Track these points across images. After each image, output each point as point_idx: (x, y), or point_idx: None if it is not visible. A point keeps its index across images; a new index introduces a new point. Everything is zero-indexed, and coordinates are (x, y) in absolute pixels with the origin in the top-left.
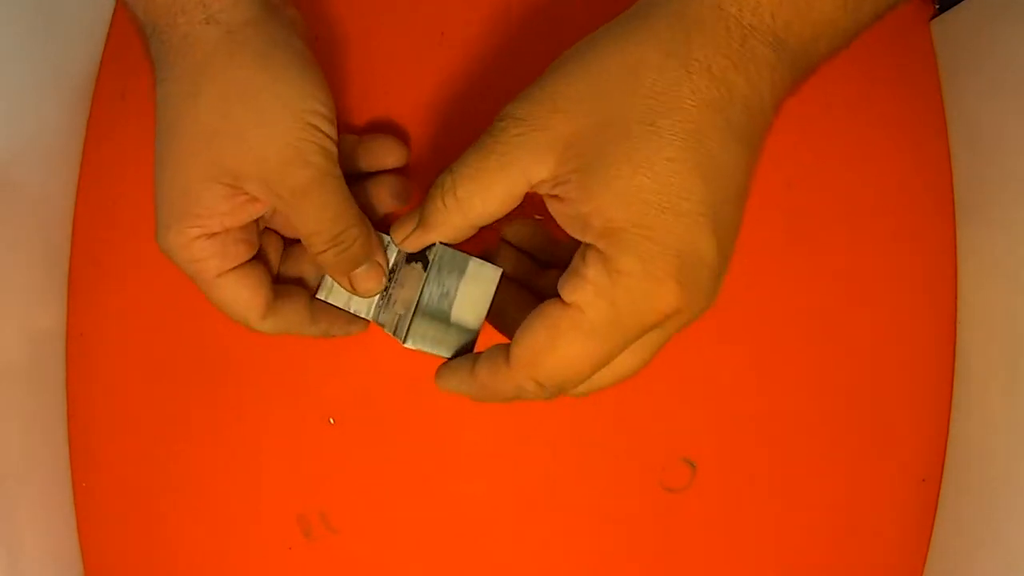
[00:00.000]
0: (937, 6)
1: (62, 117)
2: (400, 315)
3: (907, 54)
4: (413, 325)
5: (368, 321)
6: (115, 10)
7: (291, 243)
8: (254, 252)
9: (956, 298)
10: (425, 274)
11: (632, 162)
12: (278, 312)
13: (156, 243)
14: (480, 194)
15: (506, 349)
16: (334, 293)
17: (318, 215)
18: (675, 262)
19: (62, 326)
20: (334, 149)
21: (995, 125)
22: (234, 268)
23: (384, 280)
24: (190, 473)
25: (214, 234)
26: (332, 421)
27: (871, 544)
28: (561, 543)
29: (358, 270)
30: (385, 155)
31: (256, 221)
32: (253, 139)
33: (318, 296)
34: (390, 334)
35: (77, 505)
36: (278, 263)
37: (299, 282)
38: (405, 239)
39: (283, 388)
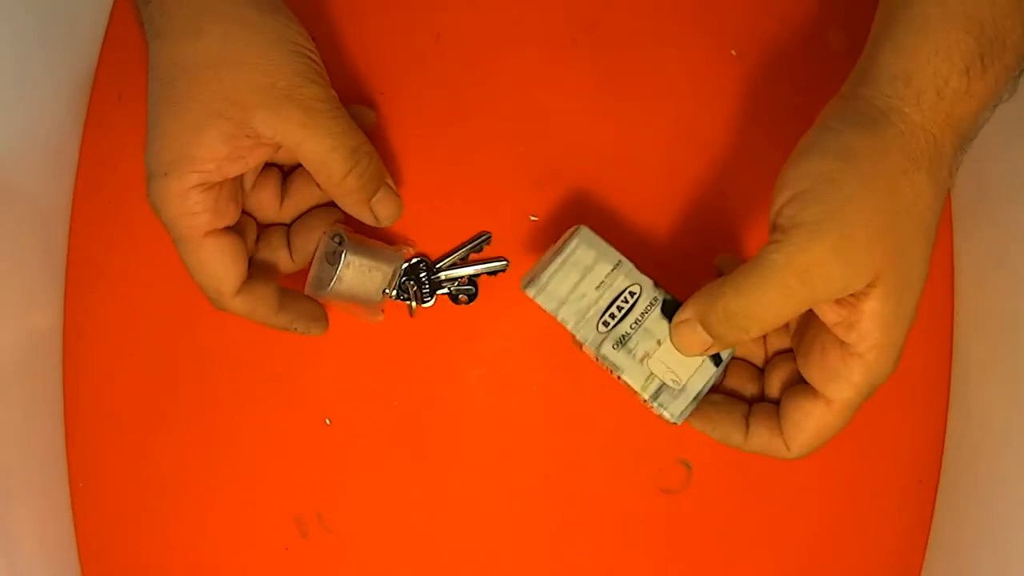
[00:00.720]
0: None
1: (59, 118)
2: (666, 386)
3: None
4: (690, 407)
5: (326, 324)
6: (112, 12)
7: (265, 228)
8: (237, 218)
9: (953, 299)
10: (716, 371)
11: (913, 291)
12: (251, 292)
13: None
14: (775, 325)
15: (778, 425)
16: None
17: (333, 130)
18: (899, 350)
19: (59, 326)
20: (328, 78)
21: (993, 124)
22: (221, 230)
23: (401, 205)
24: (187, 473)
25: (212, 186)
26: (329, 422)
27: (868, 545)
28: (558, 544)
29: (377, 195)
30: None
31: (243, 185)
32: (259, 68)
33: (329, 290)
34: (628, 383)
35: (74, 504)
36: (253, 246)
37: (271, 269)
38: (702, 348)
39: (280, 388)
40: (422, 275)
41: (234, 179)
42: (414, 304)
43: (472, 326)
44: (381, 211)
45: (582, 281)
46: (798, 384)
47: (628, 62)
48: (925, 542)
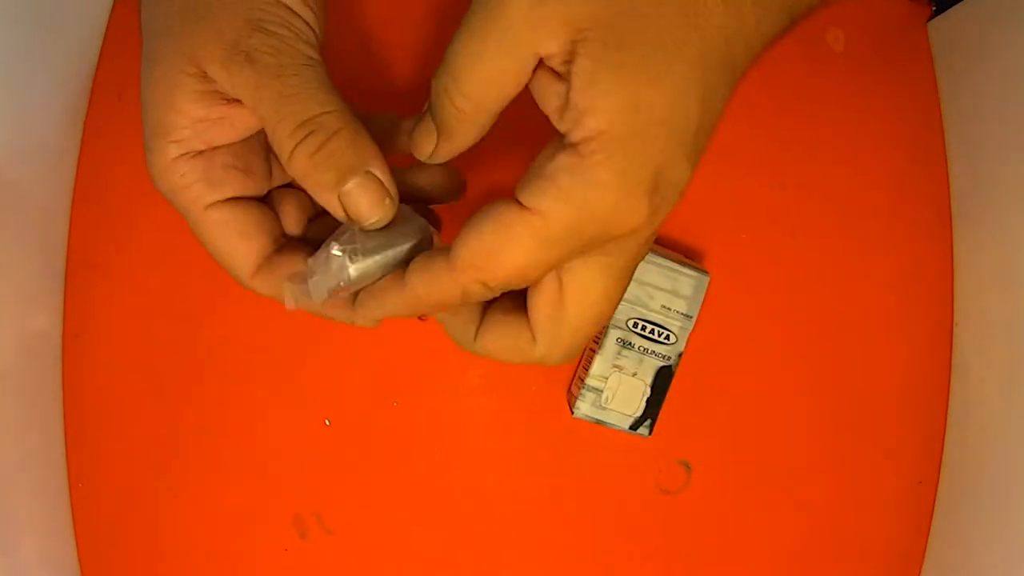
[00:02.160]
0: (934, 8)
1: (59, 117)
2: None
3: (904, 55)
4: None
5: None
6: (112, 12)
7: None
8: (256, 187)
9: (952, 300)
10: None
11: (649, 71)
12: (274, 271)
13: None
14: (487, 82)
15: (444, 254)
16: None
17: (278, 94)
18: (652, 181)
19: (58, 327)
20: (310, 34)
21: (992, 126)
22: (226, 201)
23: (393, 203)
24: (186, 474)
25: (198, 153)
26: (328, 423)
27: (868, 546)
28: (557, 545)
29: (349, 183)
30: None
31: (262, 155)
32: (217, 17)
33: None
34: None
35: (73, 506)
36: (303, 221)
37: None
38: (432, 154)
39: (280, 389)
40: None
41: (231, 146)
42: None
43: None
44: (352, 206)
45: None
46: None
47: None
48: (925, 543)
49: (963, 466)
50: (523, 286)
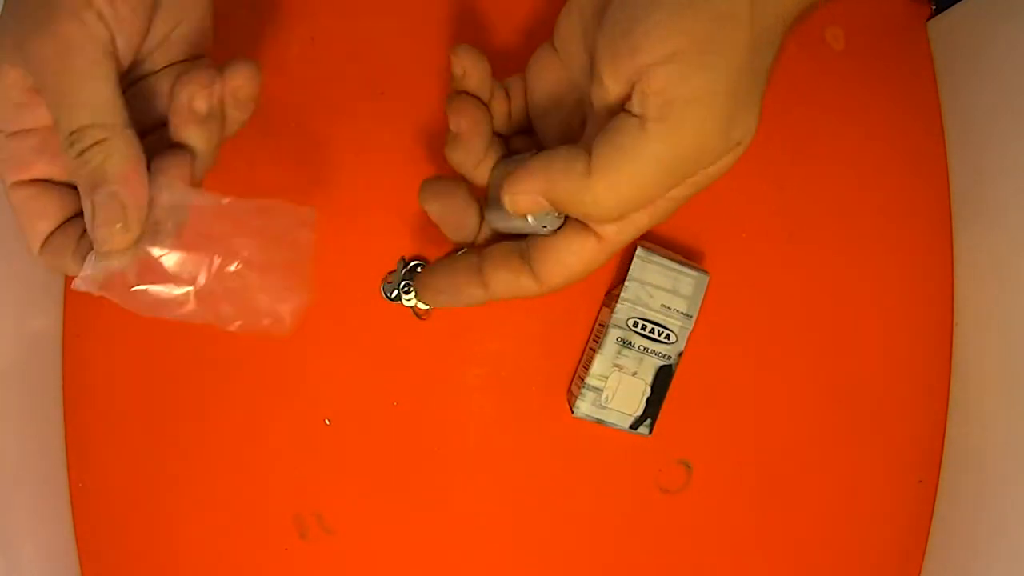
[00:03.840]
0: (934, 7)
1: None
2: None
3: (904, 54)
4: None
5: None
6: None
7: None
8: (62, 171)
9: (952, 300)
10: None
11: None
12: (49, 244)
13: None
14: None
15: (584, 155)
16: None
17: (57, 92)
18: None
19: (58, 327)
20: (104, 34)
21: (992, 125)
22: (31, 181)
23: (124, 232)
24: (186, 474)
25: (10, 134)
26: (328, 422)
27: (868, 545)
28: (557, 544)
29: (98, 195)
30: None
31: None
32: (31, 12)
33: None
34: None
35: (74, 505)
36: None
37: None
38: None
39: (279, 389)
40: None
41: (39, 130)
42: (420, 305)
43: (472, 326)
44: (94, 215)
45: None
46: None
47: None
48: (925, 542)
49: (963, 466)
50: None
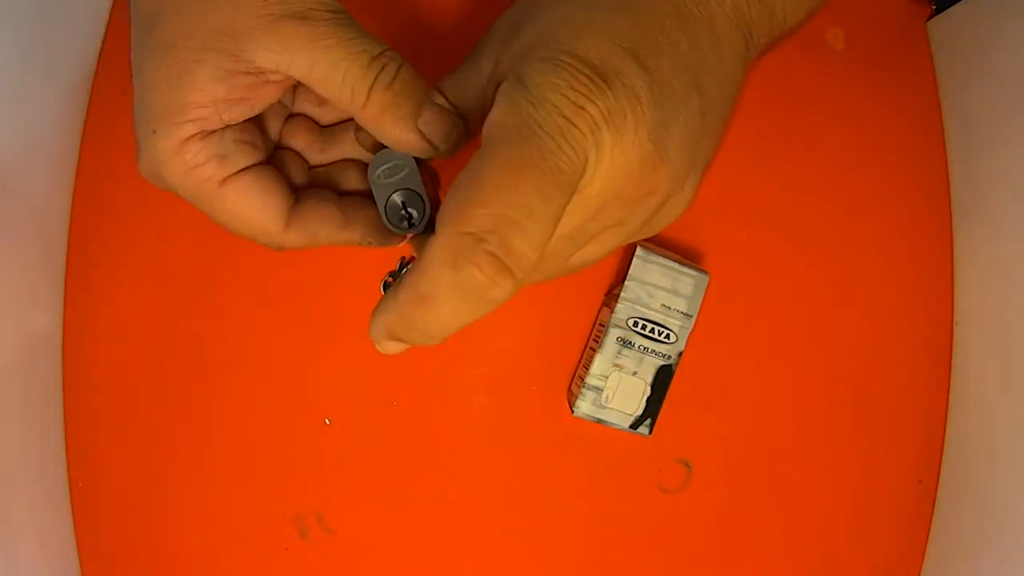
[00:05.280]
0: (934, 6)
1: (59, 116)
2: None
3: (904, 54)
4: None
5: (406, 235)
6: (112, 11)
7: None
8: (258, 156)
9: (953, 299)
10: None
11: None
12: (304, 217)
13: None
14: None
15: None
16: None
17: (344, 38)
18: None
19: (58, 326)
20: None
21: (992, 125)
22: (240, 171)
23: (460, 124)
24: (186, 473)
25: (211, 132)
26: (328, 422)
27: (869, 545)
28: (557, 544)
29: (424, 115)
30: None
31: (261, 126)
32: None
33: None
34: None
35: (74, 505)
36: (305, 171)
37: (331, 186)
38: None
39: (279, 388)
40: None
41: (243, 124)
42: None
43: (472, 326)
44: (435, 133)
45: None
46: None
47: None
48: (925, 541)
49: (963, 466)
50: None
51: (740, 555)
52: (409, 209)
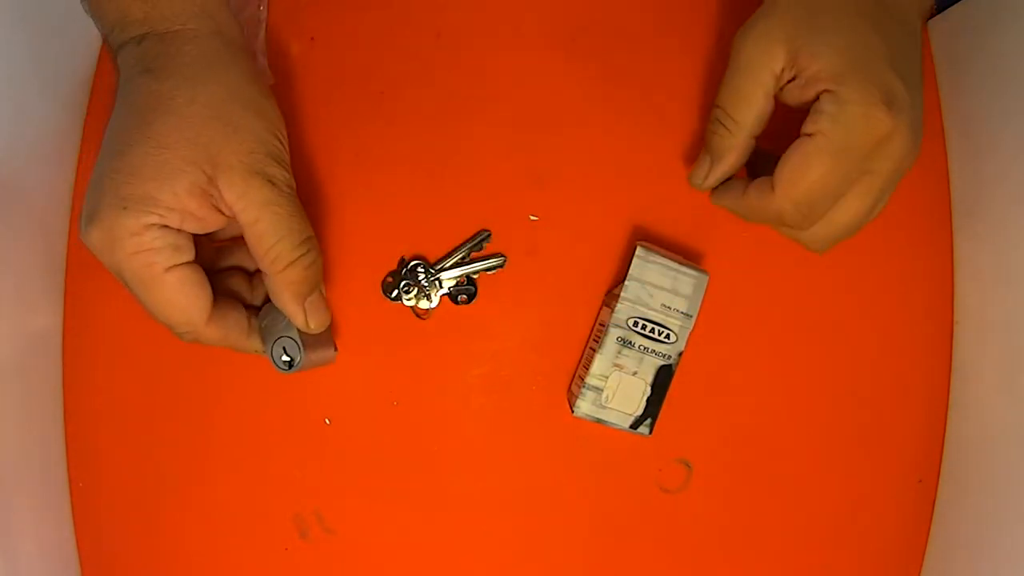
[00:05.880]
0: (934, 7)
1: (59, 117)
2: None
3: None
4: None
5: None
6: None
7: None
8: (194, 254)
9: (953, 300)
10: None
11: (841, 31)
12: (223, 317)
13: (84, 239)
14: (745, 106)
15: (771, 179)
16: None
17: (292, 214)
18: (883, 94)
19: (58, 326)
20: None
21: (992, 125)
22: (183, 264)
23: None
24: (186, 473)
25: (167, 228)
26: (328, 422)
27: (869, 544)
28: (557, 543)
29: (313, 297)
30: None
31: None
32: (248, 137)
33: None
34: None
35: (74, 504)
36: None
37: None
38: (705, 179)
39: (280, 388)
40: (420, 277)
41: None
42: (421, 305)
43: (472, 326)
44: (313, 315)
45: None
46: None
47: (628, 61)
48: (925, 541)
49: (963, 466)
50: (826, 205)
51: (740, 555)
52: (289, 353)
